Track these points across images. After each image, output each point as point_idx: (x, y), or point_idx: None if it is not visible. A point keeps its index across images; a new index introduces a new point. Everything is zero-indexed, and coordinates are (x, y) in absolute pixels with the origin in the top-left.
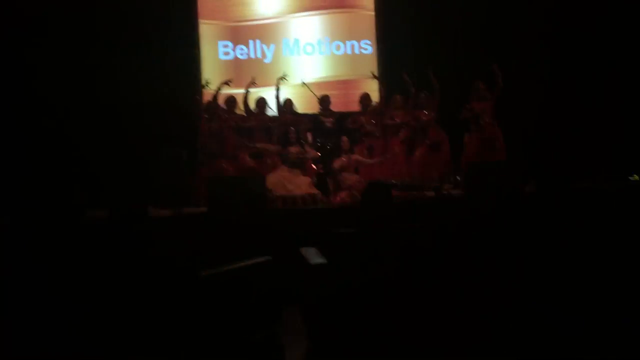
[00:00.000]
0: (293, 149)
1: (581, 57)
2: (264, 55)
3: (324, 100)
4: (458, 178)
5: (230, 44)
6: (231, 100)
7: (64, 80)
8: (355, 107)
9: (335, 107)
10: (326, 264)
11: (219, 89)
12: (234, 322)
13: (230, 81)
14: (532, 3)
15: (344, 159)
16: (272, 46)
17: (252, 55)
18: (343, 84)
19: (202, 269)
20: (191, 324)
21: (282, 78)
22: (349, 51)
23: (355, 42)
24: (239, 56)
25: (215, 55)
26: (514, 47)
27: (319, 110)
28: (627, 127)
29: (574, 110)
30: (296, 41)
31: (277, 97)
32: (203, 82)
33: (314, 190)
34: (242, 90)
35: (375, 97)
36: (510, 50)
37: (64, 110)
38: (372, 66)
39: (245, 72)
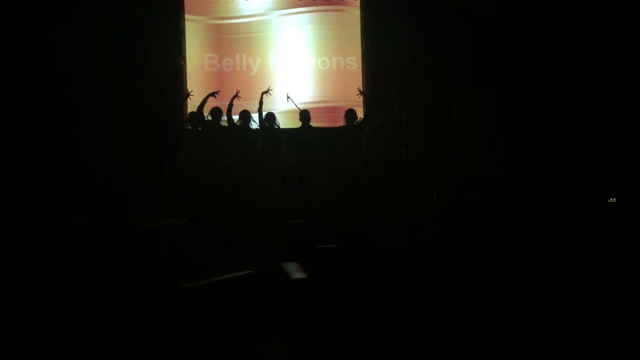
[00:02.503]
0: (274, 162)
1: (561, 81)
2: (249, 68)
3: (303, 115)
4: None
5: (216, 56)
6: (217, 111)
7: (49, 90)
8: (340, 122)
9: (320, 121)
10: (307, 279)
11: (204, 100)
12: (212, 335)
13: (217, 93)
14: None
15: (326, 174)
16: (258, 59)
17: (238, 68)
18: (328, 100)
19: (182, 282)
20: (170, 336)
21: (267, 92)
22: (334, 67)
23: (341, 58)
24: (225, 68)
25: (202, 66)
26: (497, 66)
27: (301, 125)
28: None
29: (553, 132)
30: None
31: (260, 111)
32: (187, 92)
33: (295, 203)
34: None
35: (360, 112)
36: (495, 70)
37: (47, 119)
38: (358, 82)
39: (230, 84)
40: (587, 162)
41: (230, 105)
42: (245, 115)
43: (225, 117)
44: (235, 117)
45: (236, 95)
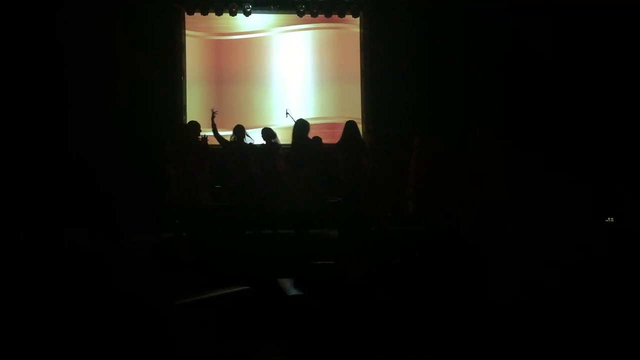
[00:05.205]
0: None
1: (561, 99)
2: (249, 84)
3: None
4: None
5: (216, 71)
6: (194, 125)
7: (49, 102)
8: (338, 138)
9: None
10: (303, 295)
11: (213, 124)
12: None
13: (214, 110)
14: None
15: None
16: (257, 75)
17: (238, 84)
18: (327, 116)
19: (179, 297)
20: (166, 351)
21: (213, 115)
22: (333, 83)
23: (340, 75)
24: (225, 84)
25: (201, 82)
26: (500, 81)
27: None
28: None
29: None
30: None
31: (215, 132)
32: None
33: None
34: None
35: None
36: (497, 84)
37: (46, 133)
38: (357, 99)
39: (229, 100)
40: (586, 179)
41: (214, 124)
42: (239, 131)
43: (204, 134)
44: (226, 134)
45: (213, 116)
